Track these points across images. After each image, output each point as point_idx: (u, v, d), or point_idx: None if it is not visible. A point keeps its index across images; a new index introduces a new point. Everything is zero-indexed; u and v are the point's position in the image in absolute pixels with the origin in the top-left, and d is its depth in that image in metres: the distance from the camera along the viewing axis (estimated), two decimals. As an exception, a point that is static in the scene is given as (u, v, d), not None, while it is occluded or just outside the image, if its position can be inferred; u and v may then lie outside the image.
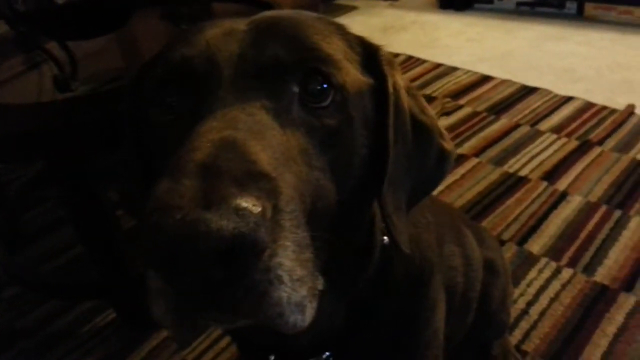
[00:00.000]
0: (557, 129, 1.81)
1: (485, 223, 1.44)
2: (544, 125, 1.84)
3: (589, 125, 1.82)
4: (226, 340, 1.17)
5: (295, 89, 0.44)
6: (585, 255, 1.31)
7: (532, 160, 1.68)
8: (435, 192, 1.55)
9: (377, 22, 2.99)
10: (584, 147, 1.71)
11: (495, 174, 1.63)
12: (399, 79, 0.53)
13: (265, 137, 0.39)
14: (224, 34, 0.46)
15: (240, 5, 1.27)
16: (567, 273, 1.27)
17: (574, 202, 1.48)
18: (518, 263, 1.31)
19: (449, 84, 2.20)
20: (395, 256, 0.60)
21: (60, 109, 0.99)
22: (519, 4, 2.84)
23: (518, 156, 1.70)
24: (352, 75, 0.47)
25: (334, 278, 0.49)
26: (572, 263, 1.30)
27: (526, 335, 1.14)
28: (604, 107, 1.91)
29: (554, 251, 1.33)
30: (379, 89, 0.50)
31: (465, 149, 1.77)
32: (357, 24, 3.01)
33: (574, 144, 1.73)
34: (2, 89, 1.16)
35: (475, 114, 1.96)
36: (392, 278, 0.61)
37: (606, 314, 1.17)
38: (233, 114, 0.40)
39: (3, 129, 0.90)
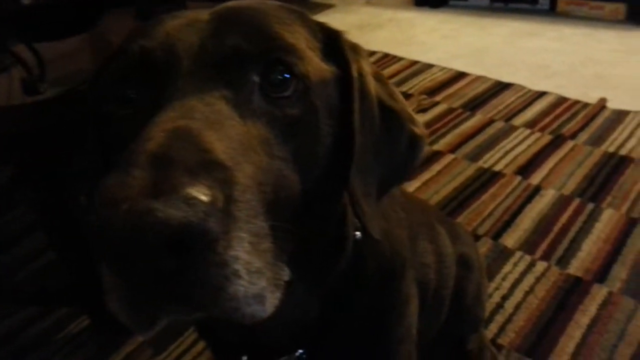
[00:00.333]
0: (531, 124, 1.84)
1: (461, 218, 1.46)
2: (518, 121, 1.87)
3: (562, 120, 1.84)
4: (202, 344, 1.16)
5: (256, 79, 0.43)
6: (559, 248, 1.34)
7: (506, 155, 1.70)
8: (411, 189, 1.57)
9: (354, 19, 2.99)
10: (557, 141, 1.73)
11: (470, 170, 1.65)
12: (365, 65, 0.53)
13: (222, 127, 0.38)
14: (185, 24, 0.46)
15: (215, 3, 1.26)
16: (541, 266, 1.29)
17: (548, 196, 1.51)
18: (493, 257, 1.32)
19: (424, 81, 2.21)
20: (368, 250, 0.60)
21: (28, 112, 0.97)
22: (492, 1, 2.87)
23: (493, 151, 1.72)
24: (315, 63, 0.47)
25: (303, 270, 0.49)
26: (546, 256, 1.32)
27: (502, 328, 1.15)
28: (577, 102, 1.94)
29: (528, 245, 1.35)
30: (344, 75, 0.50)
31: (441, 145, 1.78)
32: (334, 22, 2.96)
33: (547, 138, 1.76)
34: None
35: (450, 110, 1.98)
36: (365, 272, 0.60)
37: (580, 305, 1.19)
38: (191, 104, 0.39)
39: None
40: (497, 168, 1.64)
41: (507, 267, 1.29)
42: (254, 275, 0.35)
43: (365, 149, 0.50)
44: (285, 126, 0.43)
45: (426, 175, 1.64)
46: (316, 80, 0.46)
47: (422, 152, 0.57)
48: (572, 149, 1.69)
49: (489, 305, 1.20)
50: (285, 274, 0.41)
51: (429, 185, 1.60)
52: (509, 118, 1.89)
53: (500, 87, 2.09)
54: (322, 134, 0.46)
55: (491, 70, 2.24)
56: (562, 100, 1.96)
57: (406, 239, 0.69)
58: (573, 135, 1.75)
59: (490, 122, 1.88)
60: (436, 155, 1.73)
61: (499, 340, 1.13)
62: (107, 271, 0.34)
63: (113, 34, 1.35)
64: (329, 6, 3.24)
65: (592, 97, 1.96)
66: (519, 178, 1.59)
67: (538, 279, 1.26)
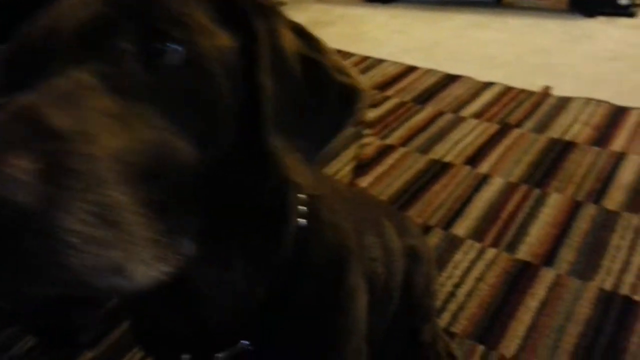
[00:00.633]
0: (479, 114, 1.87)
1: (413, 211, 1.47)
2: (467, 112, 1.90)
3: (509, 109, 1.88)
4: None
5: (131, 49, 0.41)
6: (508, 234, 1.36)
7: (455, 146, 1.72)
8: (364, 184, 1.58)
9: (305, 17, 2.98)
10: (504, 130, 1.77)
11: (421, 162, 1.66)
12: (277, 21, 0.50)
13: (79, 102, 0.37)
14: (71, 4, 0.44)
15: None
16: (491, 253, 1.31)
17: (496, 184, 1.54)
18: (444, 247, 1.34)
19: (376, 76, 2.23)
20: (314, 240, 0.59)
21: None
22: (441, -5, 2.91)
23: (443, 143, 1.74)
24: (206, 28, 0.45)
25: (234, 250, 0.47)
26: (495, 243, 1.34)
27: (454, 317, 1.17)
28: (523, 91, 1.99)
29: (478, 233, 1.37)
30: (248, 33, 0.48)
31: (393, 139, 1.79)
32: (285, 20, 3.00)
33: (494, 127, 1.79)
34: None
35: (401, 104, 1.99)
36: (310, 262, 0.59)
37: (529, 289, 1.21)
38: (54, 83, 0.37)
39: None
40: (447, 159, 1.67)
41: (458, 256, 1.31)
42: (102, 247, 0.33)
43: (284, 106, 0.47)
44: (172, 96, 0.41)
45: (379, 170, 1.65)
46: (208, 46, 0.44)
47: (359, 104, 0.53)
48: (518, 137, 1.73)
49: (442, 294, 1.21)
50: (185, 248, 0.40)
51: (382, 179, 1.61)
52: (457, 109, 1.91)
53: (449, 80, 2.12)
54: (221, 101, 0.44)
55: (441, 63, 2.27)
56: (508, 89, 2.00)
57: (352, 233, 0.69)
58: (519, 124, 1.79)
59: (440, 114, 1.90)
60: (388, 149, 1.74)
61: (452, 329, 1.14)
62: None
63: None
64: (279, 4, 3.22)
65: (537, 86, 2.01)
66: (468, 168, 1.61)
67: (488, 266, 1.28)
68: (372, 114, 1.94)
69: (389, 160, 1.69)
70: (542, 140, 1.70)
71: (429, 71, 2.20)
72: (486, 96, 1.98)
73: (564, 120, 1.80)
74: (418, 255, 1.00)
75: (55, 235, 0.31)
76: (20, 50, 0.42)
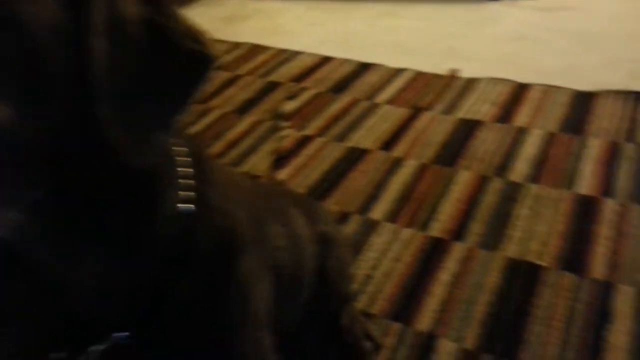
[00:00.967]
0: (392, 100, 1.92)
1: (332, 199, 1.49)
2: (380, 98, 1.94)
3: (420, 93, 1.95)
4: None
5: None
6: (421, 213, 1.41)
7: (371, 132, 1.76)
8: (282, 175, 1.58)
9: (221, 12, 2.94)
10: (416, 114, 1.83)
11: (339, 151, 1.69)
12: None
13: None
14: None
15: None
16: (406, 233, 1.36)
17: (409, 166, 1.58)
18: (362, 232, 1.37)
19: (293, 68, 2.23)
20: (202, 227, 0.58)
21: None
22: (353, -15, 2.95)
23: (359, 130, 1.78)
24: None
25: (88, 234, 0.47)
26: (410, 223, 1.38)
27: (372, 298, 1.20)
28: (432, 75, 2.06)
29: (394, 215, 1.41)
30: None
31: (310, 130, 1.81)
32: (199, 15, 2.94)
33: (407, 112, 1.85)
34: None
35: (318, 94, 2.01)
36: (198, 250, 0.58)
37: (442, 264, 1.26)
38: None
39: None
40: (363, 146, 1.70)
41: (375, 239, 1.34)
42: None
43: (123, 73, 0.46)
44: None
45: (297, 161, 1.66)
46: (28, 11, 0.42)
47: (207, 70, 0.52)
48: (429, 120, 1.79)
49: (360, 277, 1.24)
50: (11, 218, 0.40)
51: (301, 170, 1.62)
52: (372, 96, 1.96)
53: (364, 68, 2.16)
54: (47, 68, 0.43)
55: (355, 53, 2.31)
56: (418, 75, 2.07)
57: (249, 221, 0.68)
58: (429, 107, 1.86)
59: (356, 102, 1.94)
60: (306, 140, 1.75)
61: (371, 310, 1.17)
62: None
63: None
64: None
65: (445, 69, 2.08)
66: (383, 153, 1.66)
67: (404, 246, 1.32)
68: (289, 106, 1.94)
69: (307, 151, 1.70)
70: (451, 121, 1.77)
71: (343, 61, 2.24)
72: (398, 82, 2.03)
73: (471, 100, 1.88)
74: (330, 241, 1.02)
75: None
76: None
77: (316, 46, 2.42)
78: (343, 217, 1.42)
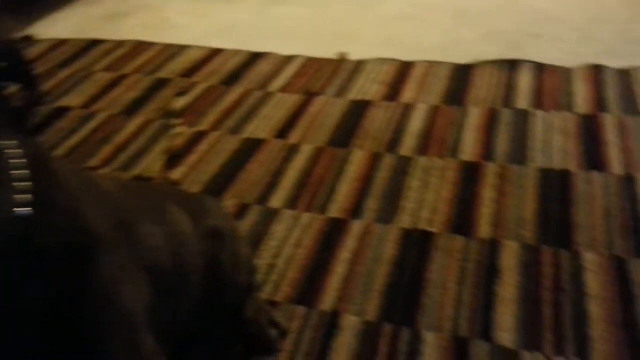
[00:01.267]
0: (284, 88, 1.92)
1: (230, 192, 1.47)
2: (273, 87, 1.94)
3: (311, 79, 1.96)
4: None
5: None
6: (319, 197, 1.43)
7: (265, 121, 1.75)
8: (177, 175, 1.53)
9: (100, 11, 2.78)
10: (308, 99, 1.84)
11: (234, 143, 1.67)
12: None
13: None
14: None
15: None
16: (305, 218, 1.37)
17: (305, 152, 1.60)
18: (262, 222, 1.36)
19: (181, 63, 2.16)
20: (44, 230, 0.55)
21: None
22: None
23: (253, 121, 1.76)
24: None
25: None
26: (309, 207, 1.40)
27: (277, 286, 1.20)
28: (322, 60, 2.08)
29: (293, 201, 1.42)
30: None
31: (204, 125, 1.77)
32: (78, 15, 2.77)
33: (300, 98, 1.86)
34: None
35: (210, 88, 1.97)
36: (42, 253, 0.54)
37: (341, 243, 1.29)
38: None
39: None
40: (259, 136, 1.69)
41: (275, 227, 1.34)
42: None
43: None
44: None
45: (192, 158, 1.62)
46: None
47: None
48: (322, 104, 1.82)
49: (264, 267, 1.23)
50: None
51: (196, 167, 1.58)
52: (264, 86, 1.95)
53: (254, 58, 2.14)
54: None
55: (245, 43, 2.28)
56: (309, 60, 2.08)
57: (107, 222, 0.65)
58: (322, 91, 1.88)
59: (248, 93, 1.92)
60: (200, 136, 1.71)
61: (276, 298, 1.17)
62: None
63: None
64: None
65: (335, 54, 2.12)
66: (279, 141, 1.66)
67: (304, 231, 1.33)
68: (180, 103, 1.88)
69: (202, 146, 1.66)
70: (343, 103, 1.81)
71: (234, 52, 2.20)
72: (290, 70, 2.04)
73: (360, 82, 1.92)
74: (222, 234, 1.00)
75: None
76: None
77: (204, 39, 2.37)
78: (242, 209, 1.40)
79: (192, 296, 0.89)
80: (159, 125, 1.79)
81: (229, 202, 1.43)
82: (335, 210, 1.38)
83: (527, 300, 1.11)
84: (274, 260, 1.26)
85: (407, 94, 1.83)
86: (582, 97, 1.71)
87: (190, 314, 0.91)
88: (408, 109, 1.75)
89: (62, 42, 2.43)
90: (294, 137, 1.66)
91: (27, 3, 2.76)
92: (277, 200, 1.43)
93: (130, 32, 2.50)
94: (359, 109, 1.78)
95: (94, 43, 2.39)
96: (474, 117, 1.68)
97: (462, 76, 1.90)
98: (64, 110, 1.91)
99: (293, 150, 1.61)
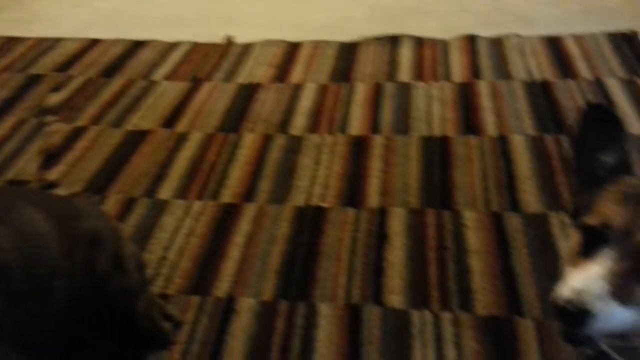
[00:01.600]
0: (170, 75, 1.85)
1: (115, 187, 1.40)
2: (157, 75, 1.86)
3: (198, 65, 1.91)
4: None
5: None
6: (211, 183, 1.40)
7: (150, 111, 1.68)
8: (55, 174, 1.43)
9: (-41, 5, 2.52)
10: (196, 86, 1.79)
11: (117, 136, 1.58)
12: None
13: None
14: None
15: None
16: (197, 206, 1.33)
17: (194, 140, 1.55)
18: (151, 214, 1.31)
19: (56, 56, 2.01)
20: None
21: None
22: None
23: (137, 111, 1.68)
24: None
25: None
26: (200, 195, 1.36)
27: (169, 278, 1.16)
28: (209, 44, 2.02)
29: (183, 190, 1.38)
30: None
31: (83, 120, 1.66)
32: None
33: (187, 85, 1.80)
34: None
35: (88, 81, 1.85)
36: None
37: (235, 228, 1.27)
38: None
39: None
40: (144, 127, 1.62)
41: (165, 219, 1.30)
42: None
43: None
44: None
45: (71, 156, 1.52)
46: None
47: None
48: (210, 90, 1.77)
49: (154, 261, 1.19)
50: None
51: (76, 164, 1.48)
52: (148, 75, 1.86)
53: (136, 46, 2.04)
54: None
55: (126, 31, 2.16)
56: (195, 46, 2.02)
57: None
58: (209, 77, 1.83)
59: (131, 83, 1.83)
60: (79, 132, 1.61)
61: (169, 291, 1.14)
62: None
63: None
64: None
65: (221, 38, 2.07)
66: (166, 130, 1.60)
67: (196, 219, 1.30)
68: (55, 99, 1.76)
69: (82, 143, 1.57)
70: (231, 88, 1.77)
71: (113, 42, 2.08)
72: (175, 56, 1.96)
73: (248, 65, 1.90)
74: (99, 235, 0.95)
75: None
76: None
77: (81, 30, 2.22)
78: (129, 204, 1.34)
79: (58, 301, 0.84)
80: (34, 123, 1.65)
81: (114, 198, 1.36)
82: (228, 195, 1.36)
83: (414, 261, 1.16)
84: (165, 252, 1.22)
85: (296, 75, 1.83)
86: (458, 67, 1.80)
87: (62, 320, 0.85)
88: (297, 89, 1.76)
89: None
90: (181, 126, 1.61)
91: None
92: (166, 191, 1.38)
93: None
94: (248, 92, 1.75)
95: (-47, 40, 2.16)
96: (360, 92, 1.72)
97: (347, 54, 1.93)
98: None
99: (181, 139, 1.56)
